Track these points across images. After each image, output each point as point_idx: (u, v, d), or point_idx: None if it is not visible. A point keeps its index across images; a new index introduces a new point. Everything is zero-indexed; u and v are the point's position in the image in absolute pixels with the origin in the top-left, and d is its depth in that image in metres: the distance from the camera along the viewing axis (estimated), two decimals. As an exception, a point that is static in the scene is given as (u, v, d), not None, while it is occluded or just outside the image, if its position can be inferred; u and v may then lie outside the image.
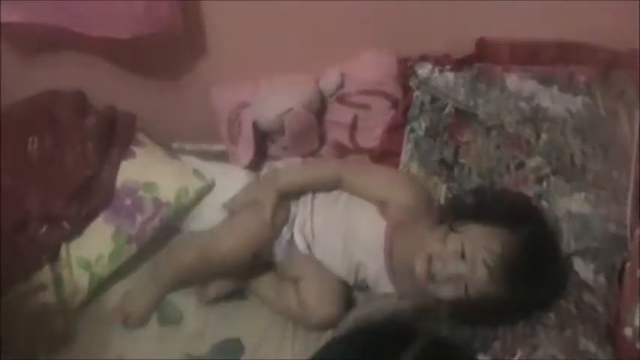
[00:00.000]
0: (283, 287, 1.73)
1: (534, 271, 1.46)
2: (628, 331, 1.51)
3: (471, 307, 1.49)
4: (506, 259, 1.44)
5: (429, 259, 1.50)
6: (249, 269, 1.75)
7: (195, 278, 1.76)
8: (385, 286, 1.65)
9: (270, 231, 1.68)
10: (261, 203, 1.67)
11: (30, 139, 1.75)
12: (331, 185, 1.71)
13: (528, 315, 1.51)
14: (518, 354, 1.44)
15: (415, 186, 1.68)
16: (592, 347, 1.46)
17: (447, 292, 1.50)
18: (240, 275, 1.75)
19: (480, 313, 1.49)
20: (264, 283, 1.77)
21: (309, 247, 1.70)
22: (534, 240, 1.49)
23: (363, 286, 1.70)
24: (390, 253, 1.61)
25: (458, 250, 1.48)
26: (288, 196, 1.70)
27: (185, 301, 1.78)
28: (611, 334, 1.50)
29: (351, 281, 1.69)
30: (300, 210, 1.71)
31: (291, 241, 1.70)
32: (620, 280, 1.59)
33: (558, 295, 1.55)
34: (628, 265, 1.59)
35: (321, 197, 1.72)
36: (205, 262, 1.69)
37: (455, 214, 1.56)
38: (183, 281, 1.77)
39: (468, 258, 1.47)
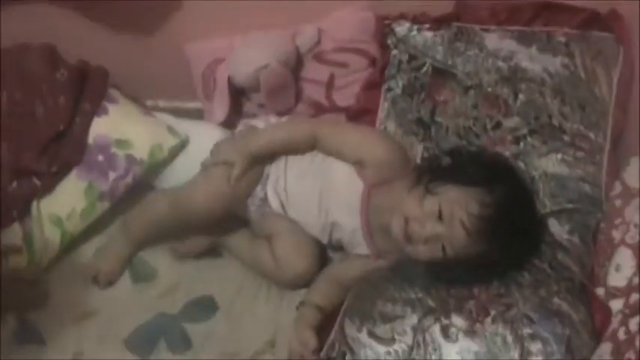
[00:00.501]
0: (257, 244, 1.72)
1: (511, 230, 1.47)
2: (600, 291, 1.52)
3: (447, 267, 1.49)
4: (483, 219, 1.44)
5: (406, 221, 1.49)
6: (221, 225, 1.74)
7: (166, 233, 1.74)
8: (360, 246, 1.65)
9: (238, 191, 1.66)
10: (232, 164, 1.65)
11: (5, 91, 1.72)
12: (306, 146, 1.69)
13: (504, 274, 1.51)
14: (492, 313, 1.44)
15: (392, 145, 1.66)
16: (565, 306, 1.46)
17: (424, 252, 1.50)
18: (212, 231, 1.75)
19: (455, 272, 1.50)
20: (238, 240, 1.76)
21: (282, 205, 1.68)
22: (511, 200, 1.48)
23: (338, 246, 1.70)
24: (366, 214, 1.61)
25: (435, 210, 1.47)
26: (261, 159, 1.68)
27: (159, 259, 1.77)
28: (585, 294, 1.51)
29: (324, 240, 1.69)
30: (274, 169, 1.69)
31: (265, 200, 1.69)
32: (595, 240, 1.59)
33: (533, 254, 1.56)
34: (602, 225, 1.60)
35: (295, 157, 1.70)
36: (176, 217, 1.68)
37: (431, 175, 1.54)
38: (155, 237, 1.76)
39: (446, 219, 1.47)
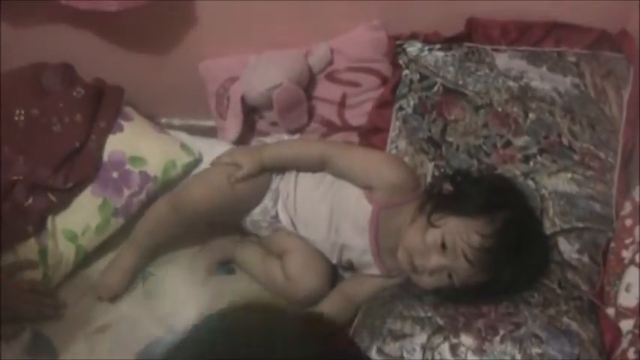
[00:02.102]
0: (269, 261, 1.73)
1: (515, 256, 1.47)
2: (611, 311, 1.52)
3: (454, 291, 1.51)
4: (485, 250, 1.45)
5: (410, 255, 1.51)
6: (231, 237, 1.77)
7: (169, 237, 1.74)
8: (370, 267, 1.66)
9: (238, 193, 1.67)
10: (240, 166, 1.66)
11: (17, 110, 1.75)
12: (316, 166, 1.69)
13: (512, 295, 1.51)
14: (501, 332, 1.44)
15: (401, 169, 1.65)
16: (575, 326, 1.45)
17: (430, 282, 1.52)
18: (225, 246, 1.78)
19: (463, 295, 1.51)
20: (250, 256, 1.77)
21: (292, 223, 1.70)
22: (512, 227, 1.48)
23: (348, 266, 1.71)
24: (375, 235, 1.61)
25: (438, 243, 1.49)
26: (270, 168, 1.69)
27: (172, 276, 1.78)
28: (594, 313, 1.51)
29: (333, 260, 1.70)
30: (284, 186, 1.70)
31: (276, 217, 1.71)
32: (605, 259, 1.59)
33: (541, 274, 1.56)
34: (612, 245, 1.60)
35: (305, 174, 1.71)
36: (175, 216, 1.69)
37: (433, 205, 1.55)
38: (159, 242, 1.75)
39: (449, 250, 1.48)
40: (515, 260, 1.47)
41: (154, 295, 1.75)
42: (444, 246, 1.48)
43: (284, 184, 1.70)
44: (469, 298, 1.50)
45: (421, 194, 1.61)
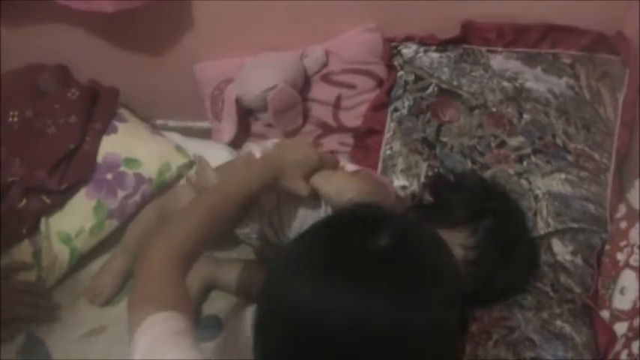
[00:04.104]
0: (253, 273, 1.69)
1: (502, 264, 1.46)
2: (605, 314, 1.51)
3: None
4: (470, 261, 1.44)
5: None
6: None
7: None
8: None
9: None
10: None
11: (11, 111, 1.75)
12: None
13: (503, 300, 1.51)
14: (494, 336, 1.44)
15: (370, 188, 1.49)
16: (568, 329, 1.46)
17: None
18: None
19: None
20: (232, 278, 1.71)
21: (277, 235, 1.63)
22: (495, 235, 1.47)
23: None
24: None
25: None
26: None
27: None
28: (587, 316, 1.51)
29: None
30: (267, 199, 1.60)
31: (262, 232, 1.65)
32: (599, 261, 1.59)
33: (531, 279, 1.55)
34: (607, 248, 1.60)
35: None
36: (163, 216, 1.67)
37: (415, 216, 1.53)
38: None
39: None
40: (502, 268, 1.46)
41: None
42: None
43: (267, 198, 1.60)
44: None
45: (396, 204, 1.58)
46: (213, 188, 1.41)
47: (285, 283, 0.97)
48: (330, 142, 1.90)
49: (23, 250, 1.68)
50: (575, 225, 1.62)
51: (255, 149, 1.68)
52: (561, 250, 1.60)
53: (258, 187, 1.34)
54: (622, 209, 1.63)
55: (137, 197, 1.77)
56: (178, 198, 1.66)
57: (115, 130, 1.81)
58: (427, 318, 0.92)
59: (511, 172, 1.67)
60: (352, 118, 1.88)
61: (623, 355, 1.41)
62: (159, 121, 2.04)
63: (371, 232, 0.95)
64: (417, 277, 0.93)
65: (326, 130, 1.89)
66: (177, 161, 1.82)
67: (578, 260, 1.59)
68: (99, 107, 1.83)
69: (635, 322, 1.44)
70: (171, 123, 2.05)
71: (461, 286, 1.01)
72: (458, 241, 1.45)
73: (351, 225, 0.99)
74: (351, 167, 1.58)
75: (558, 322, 1.46)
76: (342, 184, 1.43)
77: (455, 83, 1.79)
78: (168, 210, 1.66)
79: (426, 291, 0.92)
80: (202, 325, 1.69)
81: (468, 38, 1.82)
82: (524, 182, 1.66)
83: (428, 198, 1.56)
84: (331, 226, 1.03)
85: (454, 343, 0.97)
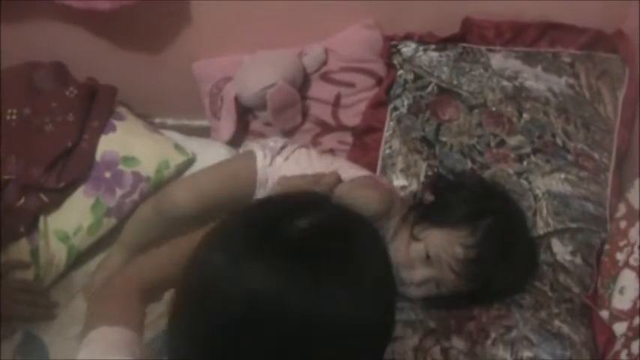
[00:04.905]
0: None
1: (501, 263, 1.45)
2: (605, 314, 1.51)
3: (443, 298, 1.50)
4: (469, 262, 1.43)
5: (396, 268, 1.49)
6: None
7: (154, 236, 1.68)
8: None
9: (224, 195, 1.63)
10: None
11: (9, 109, 1.75)
12: None
13: (501, 299, 1.50)
14: (492, 335, 1.43)
15: (382, 195, 1.54)
16: (566, 329, 1.45)
17: (418, 293, 1.50)
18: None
19: (452, 302, 1.50)
20: None
21: None
22: (495, 234, 1.46)
23: None
24: None
25: (422, 255, 1.47)
26: None
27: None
28: (586, 316, 1.50)
29: None
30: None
31: None
32: (598, 261, 1.58)
33: (530, 278, 1.54)
34: (606, 247, 1.59)
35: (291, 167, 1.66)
36: (159, 216, 1.67)
37: (415, 216, 1.52)
38: (145, 241, 1.69)
39: (434, 260, 1.46)
40: (502, 267, 1.46)
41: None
42: (428, 257, 1.47)
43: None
44: (459, 304, 1.49)
45: (403, 208, 1.58)
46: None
47: (203, 254, 0.97)
48: (329, 141, 1.89)
49: (21, 249, 1.68)
50: (574, 224, 1.61)
51: (256, 147, 1.70)
52: (561, 249, 1.59)
53: None
54: (622, 209, 1.62)
55: (135, 195, 1.77)
56: (174, 195, 1.65)
57: (113, 129, 1.81)
58: (328, 309, 0.89)
59: (510, 171, 1.67)
60: (351, 117, 1.87)
61: (623, 354, 1.41)
62: (157, 120, 2.04)
63: (295, 215, 0.94)
64: (323, 267, 0.91)
65: (325, 128, 1.89)
66: (176, 159, 1.81)
67: (578, 260, 1.58)
68: (97, 105, 1.82)
69: (635, 322, 1.44)
70: (170, 121, 2.05)
71: (386, 291, 0.98)
72: (458, 240, 1.45)
73: (279, 207, 0.99)
74: (352, 173, 1.57)
75: (556, 322, 1.46)
76: (368, 198, 1.46)
77: (454, 82, 1.78)
78: (164, 207, 1.66)
79: (332, 281, 0.91)
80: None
81: (468, 36, 1.82)
82: (523, 181, 1.65)
83: (428, 197, 1.56)
84: (261, 206, 1.04)
85: (365, 344, 0.94)
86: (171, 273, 1.23)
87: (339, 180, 1.48)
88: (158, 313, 1.69)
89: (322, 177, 1.47)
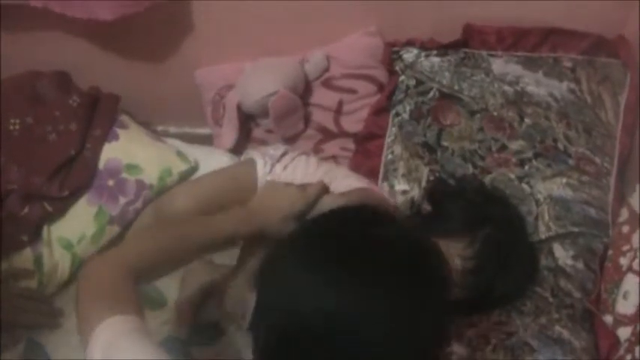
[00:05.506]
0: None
1: (500, 272, 1.44)
2: (609, 318, 1.50)
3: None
4: (468, 271, 1.42)
5: None
6: None
7: None
8: None
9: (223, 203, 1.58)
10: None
11: (12, 119, 1.75)
12: None
13: (501, 306, 1.49)
14: (493, 341, 1.43)
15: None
16: (566, 334, 1.45)
17: None
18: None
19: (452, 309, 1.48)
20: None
21: None
22: (493, 244, 1.42)
23: None
24: None
25: None
26: None
27: (169, 287, 1.76)
28: (587, 321, 1.50)
29: None
30: None
31: None
32: (601, 266, 1.58)
33: (531, 284, 1.53)
34: (609, 252, 1.59)
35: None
36: (159, 219, 1.66)
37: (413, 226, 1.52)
38: None
39: None
40: (501, 276, 1.44)
41: (153, 306, 1.75)
42: None
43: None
44: (458, 312, 1.48)
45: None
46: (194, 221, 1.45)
47: (278, 268, 0.98)
48: (331, 148, 1.89)
49: (24, 257, 1.68)
50: (576, 229, 1.61)
51: (256, 155, 1.70)
52: (562, 254, 1.59)
53: (231, 236, 1.37)
54: (624, 213, 1.62)
55: (138, 203, 1.77)
56: (174, 201, 1.64)
57: (116, 137, 1.81)
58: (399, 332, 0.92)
59: (512, 176, 1.67)
60: (353, 123, 1.88)
61: (627, 359, 1.40)
62: (159, 128, 2.05)
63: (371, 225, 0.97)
64: (396, 291, 0.93)
65: (327, 135, 1.89)
66: (179, 167, 1.81)
67: (580, 265, 1.58)
68: (99, 114, 1.82)
69: (639, 327, 1.43)
70: (172, 129, 2.06)
71: (448, 297, 1.00)
72: (456, 252, 1.43)
73: (347, 222, 1.00)
74: (347, 184, 1.55)
75: (557, 327, 1.46)
76: None
77: (456, 87, 1.78)
78: (164, 213, 1.65)
79: (404, 307, 0.92)
80: (200, 331, 1.69)
81: (469, 42, 1.82)
82: (525, 186, 1.65)
83: (426, 207, 1.55)
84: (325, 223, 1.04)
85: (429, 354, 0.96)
86: (161, 260, 1.24)
87: (325, 190, 1.46)
88: (162, 319, 1.72)
89: (307, 186, 1.46)
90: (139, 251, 1.23)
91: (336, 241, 0.96)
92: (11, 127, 1.74)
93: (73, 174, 1.74)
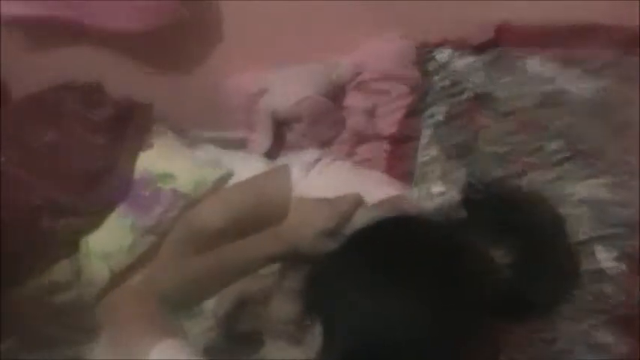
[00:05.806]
0: None
1: (535, 280, 1.41)
2: (653, 323, 1.47)
3: None
4: (502, 281, 1.38)
5: None
6: None
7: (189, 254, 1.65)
8: None
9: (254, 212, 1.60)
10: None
11: (42, 132, 1.76)
12: None
13: (539, 314, 1.46)
14: (531, 349, 1.40)
15: None
16: (610, 339, 1.42)
17: None
18: None
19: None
20: None
21: None
22: (528, 252, 1.41)
23: None
24: None
25: None
26: None
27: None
28: (630, 325, 1.46)
29: None
30: None
31: None
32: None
33: (568, 290, 1.50)
34: (651, 254, 1.55)
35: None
36: (188, 232, 1.65)
37: None
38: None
39: None
40: (538, 283, 1.41)
41: (192, 317, 1.75)
42: None
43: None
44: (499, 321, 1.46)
45: None
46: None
47: (333, 282, 1.03)
48: (366, 151, 1.88)
49: (62, 271, 1.70)
50: (612, 231, 1.57)
51: (291, 161, 1.69)
52: (604, 256, 1.55)
53: (265, 258, 1.42)
54: (662, 214, 1.58)
55: (174, 212, 1.76)
56: (204, 214, 1.64)
57: (150, 146, 1.81)
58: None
59: (547, 177, 1.63)
60: (387, 126, 1.87)
61: (672, 366, 1.37)
62: (192, 134, 2.04)
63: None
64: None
65: (361, 138, 1.88)
66: (213, 175, 1.80)
67: (622, 267, 1.54)
68: (134, 124, 1.83)
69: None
70: (206, 134, 2.05)
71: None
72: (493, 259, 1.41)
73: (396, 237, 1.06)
74: (380, 194, 1.52)
75: (598, 333, 1.42)
76: None
77: (490, 87, 1.76)
78: (195, 227, 1.64)
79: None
80: (237, 342, 1.69)
81: (502, 41, 1.80)
82: (560, 188, 1.62)
83: (461, 213, 1.52)
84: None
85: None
86: (196, 290, 1.25)
87: (359, 203, 1.45)
88: (199, 329, 1.72)
89: (340, 200, 1.45)
90: (173, 285, 1.25)
91: (396, 259, 1.00)
92: (41, 140, 1.75)
93: (108, 186, 1.75)
